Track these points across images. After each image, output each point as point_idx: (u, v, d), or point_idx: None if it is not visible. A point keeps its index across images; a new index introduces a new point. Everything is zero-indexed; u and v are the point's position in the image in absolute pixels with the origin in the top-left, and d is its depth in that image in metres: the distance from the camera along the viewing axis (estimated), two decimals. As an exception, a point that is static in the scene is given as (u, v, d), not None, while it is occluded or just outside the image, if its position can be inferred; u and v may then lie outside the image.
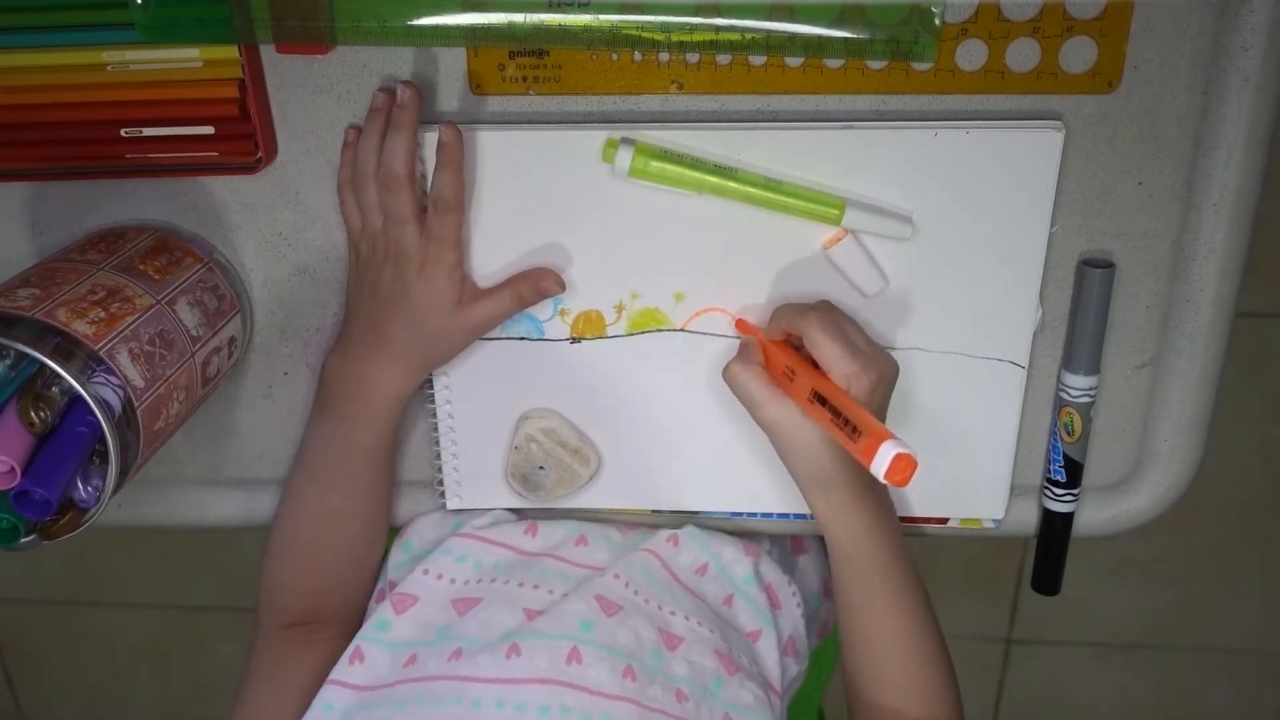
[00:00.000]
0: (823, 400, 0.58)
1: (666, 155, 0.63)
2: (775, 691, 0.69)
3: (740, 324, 0.68)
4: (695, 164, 0.63)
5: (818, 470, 0.62)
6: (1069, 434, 0.70)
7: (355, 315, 0.67)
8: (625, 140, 0.63)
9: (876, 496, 0.64)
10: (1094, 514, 0.75)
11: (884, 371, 0.61)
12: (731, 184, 0.63)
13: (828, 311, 0.62)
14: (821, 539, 0.85)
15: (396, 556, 0.73)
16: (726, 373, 0.63)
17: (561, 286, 0.66)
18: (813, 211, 0.63)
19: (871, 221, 0.63)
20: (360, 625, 0.67)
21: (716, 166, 0.63)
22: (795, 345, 0.63)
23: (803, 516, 0.74)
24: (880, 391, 0.61)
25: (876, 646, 0.66)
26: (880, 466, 0.54)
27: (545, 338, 0.69)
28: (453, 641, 0.64)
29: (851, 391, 0.59)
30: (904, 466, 0.53)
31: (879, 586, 0.64)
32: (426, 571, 0.69)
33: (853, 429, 0.56)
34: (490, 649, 0.63)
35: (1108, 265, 0.66)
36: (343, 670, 0.64)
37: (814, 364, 0.61)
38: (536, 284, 0.65)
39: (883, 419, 0.63)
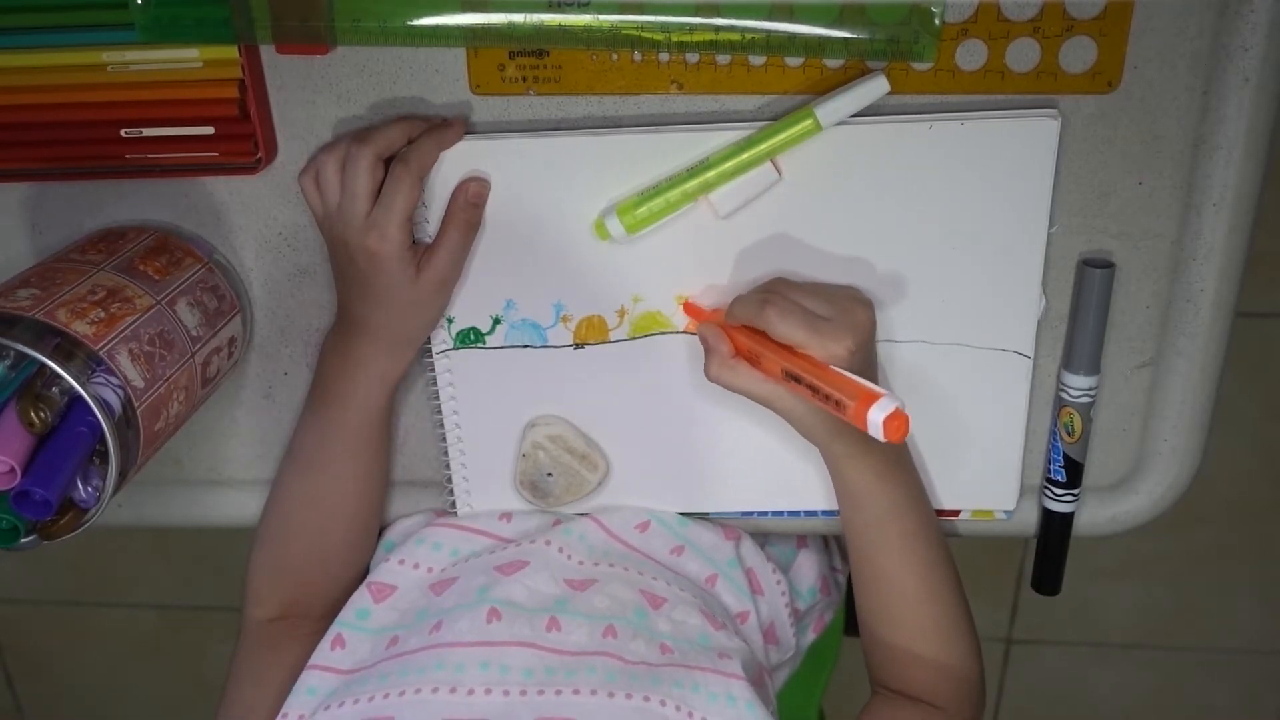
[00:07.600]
0: (797, 378, 0.58)
1: (645, 195, 0.63)
2: (766, 670, 0.69)
3: (689, 308, 0.67)
4: (671, 182, 0.63)
5: (821, 429, 0.62)
6: (1069, 434, 0.70)
7: (338, 299, 0.67)
8: (605, 212, 0.64)
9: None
10: (1094, 514, 0.75)
11: (857, 328, 0.60)
12: (711, 173, 0.62)
13: (780, 298, 0.60)
14: (823, 539, 0.86)
15: (378, 555, 0.73)
16: (708, 376, 0.63)
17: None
18: (791, 136, 0.61)
19: (847, 104, 0.61)
20: None
21: (688, 171, 0.63)
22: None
23: (813, 514, 0.74)
24: (860, 351, 0.59)
25: (889, 586, 0.66)
26: (875, 431, 0.53)
27: (549, 345, 0.69)
28: (433, 617, 0.64)
29: (830, 364, 0.58)
30: (898, 423, 0.53)
31: (892, 527, 0.64)
32: (403, 562, 0.69)
33: (836, 402, 0.55)
34: (470, 612, 0.63)
35: (1108, 265, 0.66)
36: (324, 655, 0.64)
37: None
38: (465, 199, 0.63)
39: (873, 365, 0.63)
